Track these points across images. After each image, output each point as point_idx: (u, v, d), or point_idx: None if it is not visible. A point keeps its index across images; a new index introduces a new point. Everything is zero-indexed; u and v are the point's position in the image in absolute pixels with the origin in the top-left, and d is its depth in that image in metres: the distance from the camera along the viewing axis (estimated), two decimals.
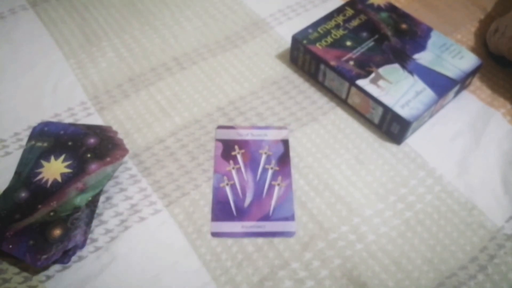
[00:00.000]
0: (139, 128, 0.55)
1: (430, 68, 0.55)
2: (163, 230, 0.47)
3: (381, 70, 0.55)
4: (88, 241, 0.46)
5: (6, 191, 0.46)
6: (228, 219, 0.48)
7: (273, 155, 0.53)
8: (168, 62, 0.62)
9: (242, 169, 0.51)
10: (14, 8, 0.68)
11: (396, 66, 0.55)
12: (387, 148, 0.54)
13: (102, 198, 0.49)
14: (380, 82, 0.54)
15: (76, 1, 0.69)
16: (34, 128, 0.51)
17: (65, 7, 0.68)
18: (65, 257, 0.44)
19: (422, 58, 0.56)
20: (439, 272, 0.45)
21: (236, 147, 0.53)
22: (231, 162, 0.52)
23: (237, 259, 0.45)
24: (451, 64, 0.55)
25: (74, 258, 0.45)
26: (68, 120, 0.55)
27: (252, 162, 0.52)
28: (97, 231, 0.47)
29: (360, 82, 0.54)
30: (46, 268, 0.45)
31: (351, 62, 0.55)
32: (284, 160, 0.52)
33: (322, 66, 0.56)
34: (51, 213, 0.45)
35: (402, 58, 0.56)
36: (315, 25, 0.60)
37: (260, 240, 0.47)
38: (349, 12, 0.61)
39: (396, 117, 0.51)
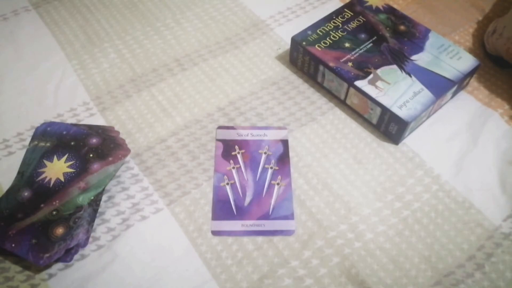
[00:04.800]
0: (141, 128, 0.56)
1: (428, 69, 0.56)
2: (164, 229, 0.48)
3: (379, 71, 0.55)
4: (90, 239, 0.47)
5: (9, 191, 0.47)
6: (228, 218, 0.48)
7: (273, 154, 0.53)
8: (169, 63, 0.62)
9: (242, 168, 0.52)
10: (17, 10, 0.68)
11: (394, 67, 0.56)
12: (385, 147, 0.54)
13: (104, 197, 0.50)
14: (379, 83, 0.54)
15: (78, 3, 0.70)
16: (37, 128, 0.52)
17: (68, 9, 0.69)
18: (67, 255, 0.45)
19: (420, 59, 0.57)
20: (436, 270, 0.46)
21: (236, 147, 0.54)
22: (231, 161, 0.53)
23: (237, 258, 0.46)
24: (449, 65, 0.56)
25: (76, 256, 0.46)
26: (70, 120, 0.56)
27: (252, 162, 0.53)
28: (99, 230, 0.47)
29: (359, 83, 0.54)
30: (48, 266, 0.45)
31: (350, 63, 0.56)
32: (283, 159, 0.53)
33: (321, 67, 0.57)
34: (54, 212, 0.45)
35: (400, 59, 0.57)
36: (314, 26, 0.60)
37: (260, 239, 0.47)
38: (348, 14, 0.62)
39: (394, 118, 0.52)
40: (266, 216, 0.48)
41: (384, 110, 0.52)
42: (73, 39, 0.65)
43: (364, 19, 0.61)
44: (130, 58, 0.63)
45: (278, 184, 0.51)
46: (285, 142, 0.54)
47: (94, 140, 0.50)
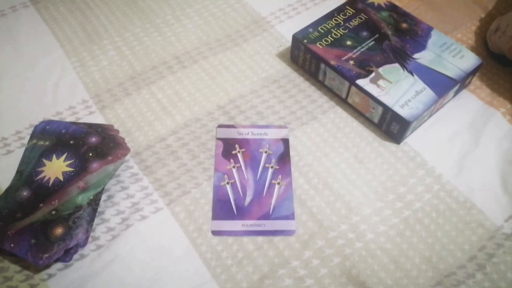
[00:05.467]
0: (140, 126, 0.55)
1: (430, 68, 0.55)
2: (164, 229, 0.47)
3: (381, 70, 0.55)
4: (90, 239, 0.47)
5: (8, 190, 0.47)
6: (229, 218, 0.48)
7: (273, 154, 0.53)
8: (169, 61, 0.62)
9: (243, 167, 0.52)
10: (15, 6, 0.68)
11: (396, 65, 0.55)
12: (387, 147, 0.54)
13: (103, 197, 0.49)
14: (380, 82, 0.54)
15: None
16: (36, 127, 0.51)
17: (66, 5, 0.68)
18: (67, 255, 0.44)
19: (422, 57, 0.56)
20: (437, 270, 0.45)
21: (236, 146, 0.53)
22: (231, 160, 0.52)
23: (238, 258, 0.46)
24: (451, 64, 0.55)
25: (75, 256, 0.45)
26: (69, 118, 0.56)
27: (252, 161, 0.52)
28: (99, 230, 0.47)
29: (360, 82, 0.54)
30: (47, 266, 0.45)
31: (352, 62, 0.56)
32: (284, 159, 0.53)
33: (322, 65, 0.56)
34: (53, 212, 0.45)
35: (402, 57, 0.56)
36: (316, 24, 0.60)
37: (260, 239, 0.47)
38: (350, 11, 0.61)
39: (396, 117, 0.52)
40: (266, 216, 0.48)
41: (386, 109, 0.52)
42: (72, 36, 0.64)
43: (366, 17, 0.60)
44: (130, 56, 0.62)
45: (278, 183, 0.51)
46: (285, 141, 0.54)
47: (93, 139, 0.50)
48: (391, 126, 0.53)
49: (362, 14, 0.61)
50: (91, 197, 0.46)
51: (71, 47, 0.63)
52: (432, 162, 0.53)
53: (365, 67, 0.55)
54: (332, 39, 0.58)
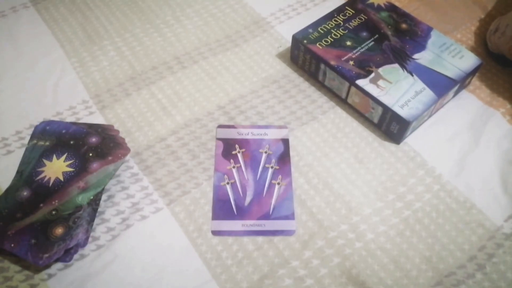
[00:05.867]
0: (140, 126, 0.55)
1: (430, 68, 0.55)
2: (164, 229, 0.47)
3: (381, 70, 0.55)
4: (90, 239, 0.47)
5: (8, 190, 0.47)
6: (229, 218, 0.48)
7: (273, 154, 0.53)
8: (169, 61, 0.62)
9: (243, 168, 0.52)
10: (16, 6, 0.68)
11: (396, 66, 0.55)
12: (386, 147, 0.54)
13: (104, 197, 0.49)
14: (380, 82, 0.54)
15: None
16: (36, 127, 0.51)
17: (67, 5, 0.68)
18: (67, 255, 0.44)
19: (422, 57, 0.56)
20: (437, 270, 0.45)
21: (236, 146, 0.53)
22: (231, 161, 0.52)
23: (238, 258, 0.46)
24: (451, 64, 0.56)
25: (76, 256, 0.45)
26: (70, 118, 0.56)
27: (252, 161, 0.52)
28: (99, 230, 0.47)
29: (360, 82, 0.54)
30: (48, 266, 0.45)
31: (351, 62, 0.56)
32: (284, 159, 0.53)
33: (322, 66, 0.56)
34: (53, 212, 0.45)
35: (402, 58, 0.56)
36: (316, 24, 0.60)
37: (260, 239, 0.47)
38: (349, 11, 0.61)
39: (396, 117, 0.52)
40: (266, 216, 0.48)
41: (386, 109, 0.52)
42: (72, 36, 0.64)
43: (366, 17, 0.61)
44: (130, 56, 0.62)
45: (278, 183, 0.51)
46: (285, 141, 0.54)
47: (93, 139, 0.50)
48: (391, 126, 0.53)
49: (362, 15, 0.61)
50: (91, 197, 0.46)
51: (71, 48, 0.63)
52: (432, 162, 0.53)
53: (365, 67, 0.55)
54: (332, 40, 0.58)
